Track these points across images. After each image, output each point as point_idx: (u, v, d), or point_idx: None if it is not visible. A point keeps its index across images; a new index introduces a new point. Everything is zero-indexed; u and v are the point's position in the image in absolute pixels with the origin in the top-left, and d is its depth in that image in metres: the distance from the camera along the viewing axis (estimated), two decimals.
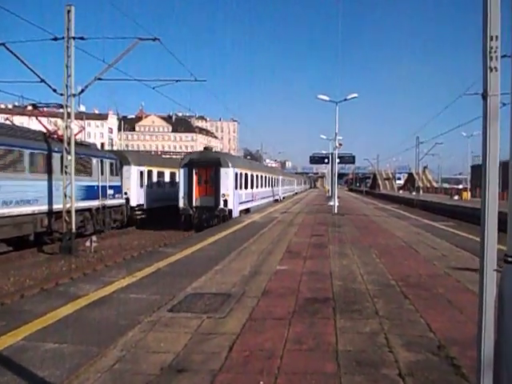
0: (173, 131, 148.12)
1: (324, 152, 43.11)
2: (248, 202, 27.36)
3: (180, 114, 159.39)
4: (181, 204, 22.44)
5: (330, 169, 38.55)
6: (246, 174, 27.05)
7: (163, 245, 17.90)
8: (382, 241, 12.61)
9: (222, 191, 22.51)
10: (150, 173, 26.80)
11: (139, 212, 25.41)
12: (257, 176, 30.97)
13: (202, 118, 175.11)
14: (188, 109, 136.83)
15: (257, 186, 30.72)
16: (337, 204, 25.41)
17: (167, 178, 29.54)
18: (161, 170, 28.66)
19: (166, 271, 8.23)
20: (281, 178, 46.14)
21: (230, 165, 23.01)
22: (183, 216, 22.40)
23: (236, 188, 23.66)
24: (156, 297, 6.39)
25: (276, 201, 39.04)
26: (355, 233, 14.84)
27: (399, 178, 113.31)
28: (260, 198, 31.57)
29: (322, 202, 35.83)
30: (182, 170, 22.77)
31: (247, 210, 26.57)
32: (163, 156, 61.94)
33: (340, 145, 27.95)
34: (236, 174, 23.79)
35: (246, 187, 26.64)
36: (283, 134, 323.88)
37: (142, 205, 25.57)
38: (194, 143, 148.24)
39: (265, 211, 25.75)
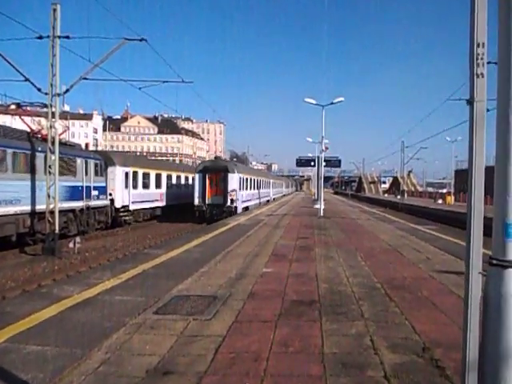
0: (159, 132, 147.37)
1: (310, 155, 43.39)
2: (248, 201, 33.72)
3: (166, 116, 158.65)
4: (196, 202, 28.45)
5: (316, 172, 38.73)
6: (247, 178, 33.55)
7: (148, 246, 17.79)
8: (368, 244, 12.70)
9: (229, 192, 28.70)
10: (135, 174, 26.69)
11: (124, 213, 25.27)
12: (254, 180, 37.82)
13: (188, 119, 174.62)
14: (174, 110, 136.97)
15: (254, 188, 37.63)
16: (323, 207, 25.54)
17: (152, 180, 29.47)
18: (146, 171, 28.58)
19: (151, 273, 8.18)
20: (272, 181, 53.27)
21: (235, 171, 29.49)
22: (197, 211, 28.35)
23: (240, 189, 30.10)
24: (141, 299, 6.34)
25: (268, 201, 45.69)
26: (341, 236, 14.92)
27: (384, 182, 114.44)
28: (256, 198, 38.35)
29: (308, 205, 35.94)
30: (197, 175, 28.73)
31: (247, 208, 32.25)
32: (149, 157, 61.55)
33: (326, 148, 28.11)
34: (240, 178, 30.32)
35: (246, 189, 33.13)
36: (270, 137, 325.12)
37: (127, 206, 25.43)
38: (180, 145, 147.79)
39: (250, 213, 25.79)
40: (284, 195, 69.03)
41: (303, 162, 35.81)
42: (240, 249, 11.36)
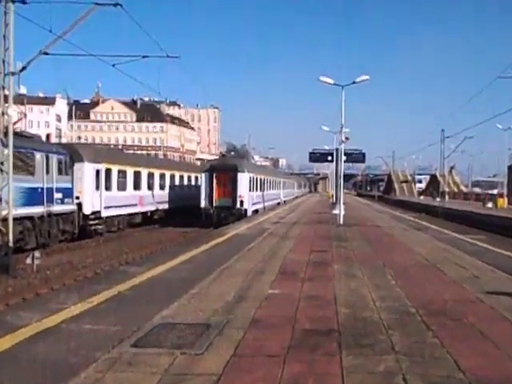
0: (138, 120, 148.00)
1: (327, 148, 43.47)
2: (258, 203, 37.15)
3: (147, 99, 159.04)
4: (202, 204, 31.90)
5: (335, 169, 38.75)
6: (257, 178, 37.04)
7: (125, 262, 17.82)
8: (399, 258, 12.75)
9: (238, 193, 32.14)
10: (108, 172, 26.77)
11: (94, 221, 25.32)
12: (265, 179, 41.71)
13: (174, 103, 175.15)
14: (157, 92, 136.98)
15: (265, 189, 41.35)
16: (343, 212, 25.59)
17: (130, 179, 29.56)
18: (122, 168, 28.67)
19: (129, 296, 8.21)
20: (282, 180, 56.88)
21: (245, 170, 33.19)
22: (204, 215, 31.64)
23: (250, 190, 33.59)
24: (116, 328, 6.35)
25: (278, 204, 49.38)
26: (366, 248, 14.94)
27: (420, 181, 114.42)
28: (267, 200, 41.64)
29: (324, 210, 35.97)
30: (203, 175, 32.46)
31: (256, 211, 35.60)
32: (126, 151, 61.73)
33: (347, 139, 28.12)
34: (250, 178, 33.92)
35: (256, 190, 36.73)
36: (275, 126, 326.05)
37: (99, 212, 25.48)
38: (165, 135, 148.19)
39: (252, 221, 25.85)
40: (296, 197, 72.23)
41: (318, 157, 35.89)
42: (239, 265, 11.38)
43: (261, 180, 39.27)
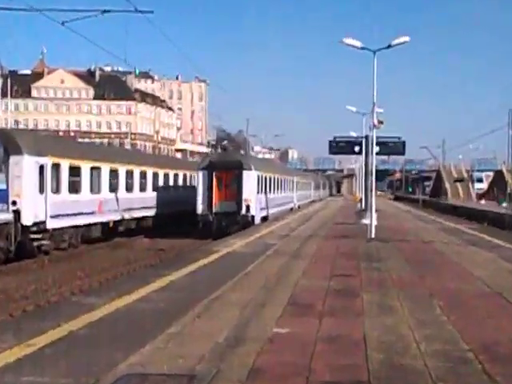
0: (96, 98, 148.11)
1: (353, 134, 43.35)
2: (267, 208, 39.52)
3: (108, 69, 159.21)
4: (199, 210, 33.72)
5: (363, 163, 38.70)
6: (266, 178, 39.59)
7: (79, 291, 17.81)
8: (452, 285, 12.76)
9: (244, 196, 34.12)
10: (56, 168, 26.75)
11: (37, 235, 25.28)
12: (276, 179, 44.46)
13: (146, 75, 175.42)
14: (122, 60, 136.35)
15: (276, 191, 44.35)
16: (375, 223, 25.54)
17: (86, 178, 29.55)
18: (76, 163, 28.63)
19: (84, 336, 8.20)
20: (295, 179, 59.67)
21: (252, 167, 35.31)
22: (202, 223, 33.54)
23: (258, 192, 35.81)
24: (67, 381, 6.33)
25: (291, 209, 52.69)
26: (406, 271, 14.92)
27: (480, 180, 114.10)
28: (277, 205, 44.31)
29: (350, 220, 35.90)
30: (200, 173, 34.36)
31: (265, 218, 38.00)
32: (80, 140, 61.84)
33: (381, 122, 27.92)
34: (258, 178, 36.17)
35: (266, 192, 39.01)
36: (282, 106, 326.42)
37: (43, 223, 25.45)
38: (133, 118, 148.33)
39: (252, 234, 25.83)
40: (312, 201, 76.18)
41: (341, 147, 35.69)
42: (234, 294, 11.38)
43: (271, 180, 41.91)
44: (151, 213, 37.26)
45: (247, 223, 33.66)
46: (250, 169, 35.34)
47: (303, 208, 56.76)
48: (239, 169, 34.72)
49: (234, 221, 33.77)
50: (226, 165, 34.97)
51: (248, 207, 34.48)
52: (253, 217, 34.69)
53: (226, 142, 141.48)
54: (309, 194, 75.30)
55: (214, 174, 34.30)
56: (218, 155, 37.70)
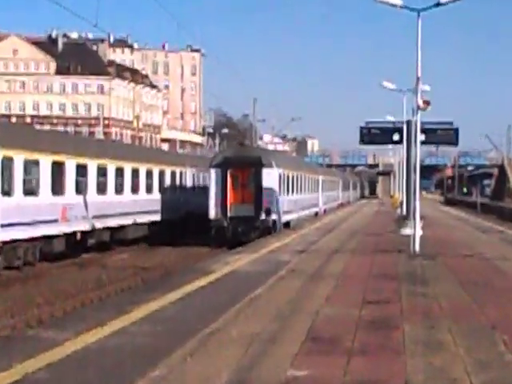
0: (59, 72, 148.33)
1: (391, 119, 43.15)
2: (290, 212, 42.79)
3: (75, 36, 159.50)
4: (212, 214, 36.42)
5: (405, 156, 38.61)
6: (289, 176, 43.09)
7: (38, 322, 17.81)
8: None
9: (264, 197, 36.77)
10: (7, 164, 26.74)
11: None
12: (298, 178, 48.23)
13: (123, 43, 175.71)
14: (92, 25, 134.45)
15: (299, 192, 48.46)
16: (420, 233, 25.46)
17: (46, 175, 29.51)
18: (33, 157, 28.62)
19: (42, 381, 8.18)
20: (321, 178, 63.52)
21: (273, 164, 37.94)
22: (214, 229, 36.28)
23: (280, 194, 38.78)
24: None
25: (316, 214, 57.36)
26: (461, 296, 14.87)
27: None
28: (300, 209, 48.27)
29: (387, 228, 35.86)
30: (212, 171, 37.14)
31: (287, 224, 40.98)
32: (38, 127, 61.84)
33: (426, 103, 27.86)
34: (280, 176, 39.11)
35: (289, 192, 42.87)
36: (299, 83, 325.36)
37: None
38: (106, 98, 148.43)
39: (261, 248, 25.81)
40: (341, 204, 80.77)
41: (376, 135, 35.54)
42: (237, 326, 11.37)
43: (293, 178, 45.44)
44: (129, 221, 37.27)
45: (267, 229, 36.00)
46: (271, 166, 37.63)
47: (329, 213, 59.26)
48: (258, 166, 37.02)
49: (252, 227, 36.13)
50: (242, 161, 37.37)
51: (268, 211, 36.61)
52: (274, 222, 37.11)
53: (225, 129, 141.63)
54: (336, 196, 78.69)
55: (228, 172, 36.77)
56: (234, 150, 40.25)
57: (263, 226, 36.32)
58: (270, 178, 37.25)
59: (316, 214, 57.44)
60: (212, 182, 37.19)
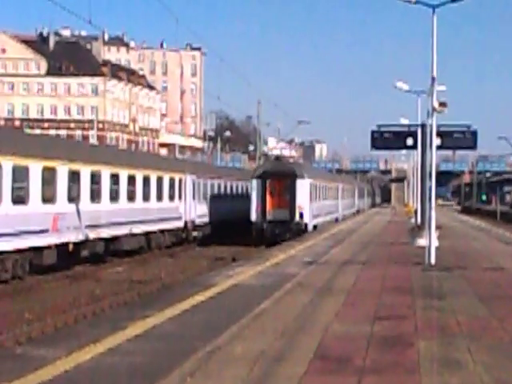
0: (50, 73, 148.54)
1: (404, 122, 43.16)
2: (318, 216, 54.37)
3: (67, 34, 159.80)
4: (253, 217, 46.28)
5: (420, 161, 38.59)
6: (317, 185, 54.56)
7: (27, 338, 17.82)
8: None
9: (298, 203, 46.61)
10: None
11: None
12: (324, 187, 60.32)
13: (119, 41, 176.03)
14: (87, 21, 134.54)
15: (325, 199, 60.65)
16: (435, 244, 25.46)
17: (36, 182, 29.54)
18: (22, 163, 28.60)
19: None
20: (341, 186, 75.48)
21: (305, 175, 48.57)
22: (255, 231, 45.79)
23: (311, 200, 49.17)
24: None
25: (337, 220, 67.62)
26: (480, 312, 14.86)
27: None
28: (325, 214, 60.25)
29: (401, 239, 35.85)
30: (254, 182, 47.22)
31: (315, 227, 51.50)
32: (28, 131, 61.89)
33: (443, 105, 27.87)
34: (311, 186, 49.55)
35: (316, 200, 53.64)
36: (305, 85, 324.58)
37: None
38: (101, 100, 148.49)
39: (265, 260, 25.81)
40: (357, 211, 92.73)
41: (389, 139, 35.56)
42: (240, 344, 11.36)
43: (321, 188, 57.33)
44: (124, 230, 37.24)
45: (300, 231, 45.58)
46: (304, 177, 48.08)
47: (345, 220, 66.64)
48: (293, 177, 47.28)
49: (288, 228, 45.85)
50: (279, 173, 47.75)
51: (301, 215, 46.61)
52: (306, 225, 47.12)
53: (228, 132, 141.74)
54: (352, 203, 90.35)
55: (267, 182, 46.66)
56: (272, 164, 51.80)
57: (297, 228, 46.10)
58: (302, 187, 47.19)
59: (336, 219, 67.69)
60: (253, 190, 47.09)
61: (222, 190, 57.37)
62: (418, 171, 44.24)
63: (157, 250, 41.80)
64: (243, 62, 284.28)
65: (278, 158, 59.40)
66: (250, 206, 47.01)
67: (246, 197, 55.00)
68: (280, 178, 47.38)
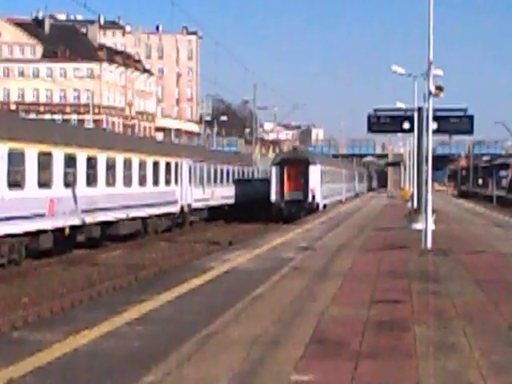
0: (46, 56, 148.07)
1: (401, 106, 43.09)
2: (327, 197, 63.87)
3: (62, 18, 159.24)
4: (273, 198, 55.65)
5: (416, 145, 38.56)
6: (326, 171, 63.13)
7: (23, 323, 17.81)
8: None
9: (310, 186, 55.96)
10: None
11: None
12: (332, 172, 70.06)
13: (114, 25, 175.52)
14: (81, 4, 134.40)
15: (333, 182, 69.94)
16: (432, 227, 25.44)
17: (32, 166, 29.49)
18: (18, 146, 28.54)
19: None
20: (344, 172, 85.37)
21: (317, 162, 58.79)
22: (274, 209, 55.07)
23: (321, 184, 58.15)
24: None
25: (340, 201, 75.92)
26: (476, 296, 14.86)
27: None
28: (333, 195, 69.81)
29: (397, 223, 35.84)
30: (273, 168, 56.90)
31: (324, 206, 60.47)
32: (23, 115, 61.75)
33: (439, 89, 27.81)
34: (321, 171, 58.91)
35: (326, 183, 62.19)
36: (301, 68, 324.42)
37: None
38: (96, 84, 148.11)
39: (262, 245, 25.79)
40: (357, 195, 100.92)
41: (385, 123, 35.60)
42: (237, 328, 11.38)
43: (329, 173, 66.27)
44: (121, 215, 37.22)
45: (312, 210, 54.83)
46: (316, 164, 58.15)
47: (348, 203, 74.37)
48: (306, 164, 57.09)
49: (302, 207, 55.15)
50: (295, 161, 57.88)
51: (314, 196, 56.13)
52: (317, 204, 56.94)
53: (224, 117, 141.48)
54: (353, 187, 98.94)
55: (285, 168, 56.18)
56: (288, 153, 64.32)
57: (310, 207, 55.52)
58: (314, 172, 57.07)
59: (340, 201, 75.58)
60: (273, 175, 56.70)
61: (219, 173, 59.45)
62: (414, 155, 44.19)
63: (153, 234, 41.86)
64: (239, 45, 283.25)
65: (294, 148, 71.60)
66: (269, 188, 56.48)
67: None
68: (295, 165, 56.98)
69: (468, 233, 32.91)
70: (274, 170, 56.58)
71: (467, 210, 60.53)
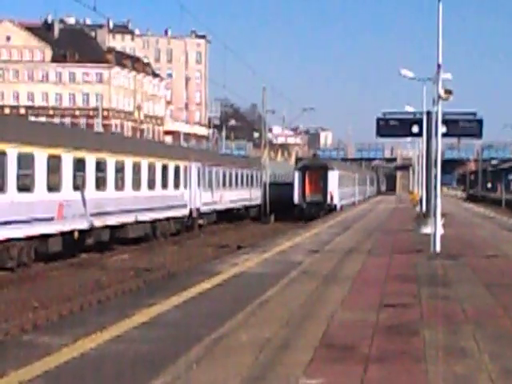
0: (55, 60, 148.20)
1: (410, 110, 42.97)
2: (343, 199, 70.66)
3: (71, 21, 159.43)
4: (296, 200, 63.14)
5: (425, 149, 38.52)
6: (342, 175, 70.11)
7: (33, 326, 17.83)
8: None
9: (329, 189, 63.78)
10: None
11: None
12: (347, 177, 77.19)
13: (123, 29, 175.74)
14: (91, 8, 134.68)
15: (348, 186, 77.80)
16: (441, 232, 25.42)
17: (42, 170, 29.49)
18: (27, 150, 28.55)
19: None
20: (357, 176, 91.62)
21: (335, 168, 67.27)
22: (296, 210, 62.87)
23: (339, 187, 66.21)
24: None
25: (354, 203, 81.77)
26: (486, 300, 14.83)
27: None
28: (347, 198, 75.59)
29: (405, 227, 35.80)
30: (296, 173, 65.15)
31: (341, 207, 66.96)
32: (33, 119, 61.82)
33: (448, 93, 27.77)
34: (339, 176, 67.26)
35: (343, 187, 69.41)
36: (310, 73, 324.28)
37: None
38: (105, 88, 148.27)
39: (271, 248, 25.78)
40: (368, 197, 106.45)
41: (394, 126, 35.49)
42: (246, 332, 11.37)
43: (344, 177, 72.98)
44: (130, 218, 37.24)
45: (331, 210, 61.10)
46: (334, 169, 65.50)
47: (360, 205, 77.32)
48: (325, 169, 64.18)
49: (322, 208, 61.44)
50: (315, 166, 65.26)
51: (332, 198, 63.04)
52: (335, 205, 63.81)
53: (233, 120, 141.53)
54: (365, 191, 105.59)
55: (306, 173, 63.61)
56: (309, 160, 71.80)
57: (329, 208, 62.17)
58: (332, 177, 64.40)
59: (353, 203, 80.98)
60: (296, 179, 63.74)
61: (228, 177, 60.17)
62: (423, 159, 44.10)
63: (162, 237, 41.85)
64: (248, 49, 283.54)
65: (314, 155, 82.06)
66: (292, 191, 63.08)
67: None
68: (316, 170, 64.42)
69: (477, 237, 32.83)
70: (296, 175, 63.81)
71: (476, 213, 60.38)
